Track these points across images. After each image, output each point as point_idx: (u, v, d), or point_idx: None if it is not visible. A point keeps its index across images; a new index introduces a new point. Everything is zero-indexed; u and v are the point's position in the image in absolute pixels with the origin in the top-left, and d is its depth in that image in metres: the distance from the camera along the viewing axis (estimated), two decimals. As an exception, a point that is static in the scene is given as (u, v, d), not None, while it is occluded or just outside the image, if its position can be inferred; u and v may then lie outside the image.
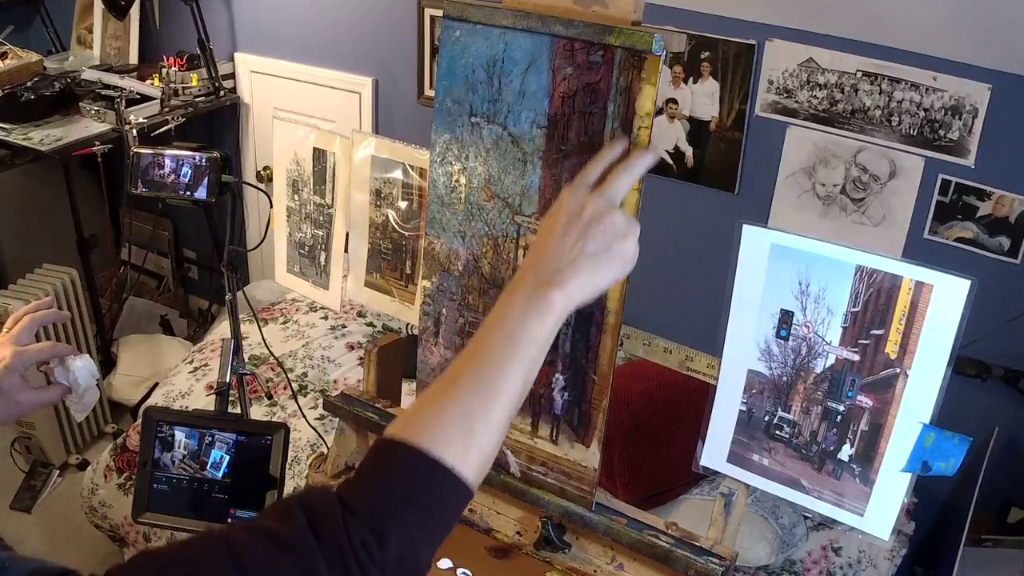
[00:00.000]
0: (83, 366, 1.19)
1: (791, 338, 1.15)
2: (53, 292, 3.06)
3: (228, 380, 1.80)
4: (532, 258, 0.87)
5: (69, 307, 3.15)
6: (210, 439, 1.70)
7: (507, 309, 0.82)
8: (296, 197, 1.71)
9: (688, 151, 2.76)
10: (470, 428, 0.76)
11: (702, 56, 2.62)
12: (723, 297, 1.20)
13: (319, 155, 1.65)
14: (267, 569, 0.69)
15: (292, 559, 0.69)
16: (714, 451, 1.27)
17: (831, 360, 1.13)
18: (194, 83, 3.40)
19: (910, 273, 1.05)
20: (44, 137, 3.12)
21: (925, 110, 2.34)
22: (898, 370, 1.08)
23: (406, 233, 1.55)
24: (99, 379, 1.22)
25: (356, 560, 0.69)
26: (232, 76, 3.62)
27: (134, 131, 3.11)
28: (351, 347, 2.92)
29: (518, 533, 1.39)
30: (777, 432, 1.20)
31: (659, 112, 2.76)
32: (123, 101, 3.18)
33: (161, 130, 3.22)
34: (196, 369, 2.85)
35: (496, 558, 1.36)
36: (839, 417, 1.15)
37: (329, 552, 0.69)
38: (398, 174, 1.53)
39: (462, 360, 0.81)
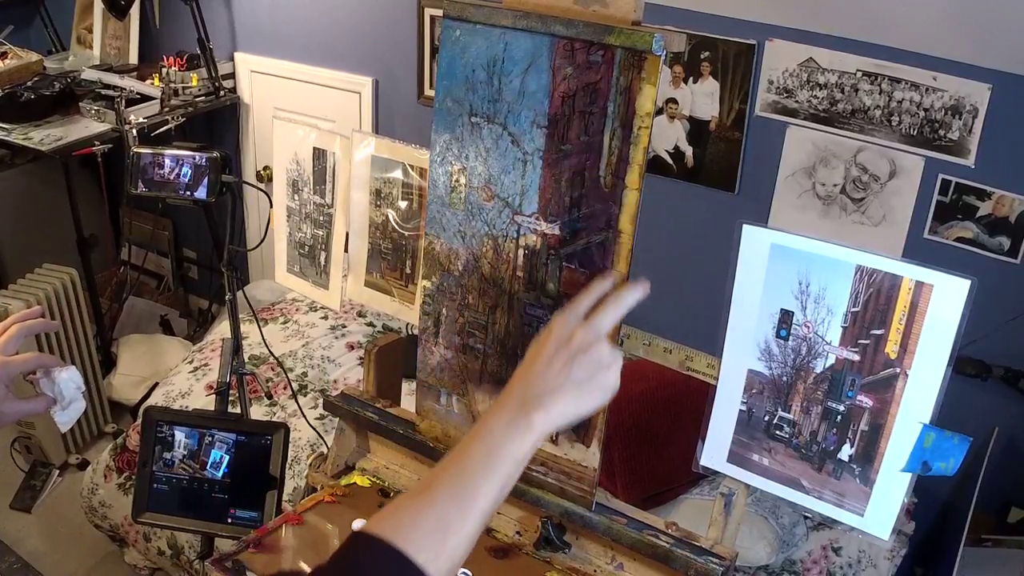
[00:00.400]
0: (68, 378, 1.19)
1: (791, 338, 1.15)
2: (53, 292, 3.06)
3: (228, 380, 1.80)
4: (519, 379, 0.90)
5: (69, 307, 3.15)
6: (210, 439, 1.70)
7: (491, 424, 0.86)
8: (296, 197, 1.71)
9: (688, 151, 2.76)
10: (444, 535, 0.78)
11: (702, 56, 2.62)
12: (723, 297, 1.20)
13: (319, 155, 1.64)
14: None
15: None
16: (714, 451, 1.27)
17: (831, 360, 1.13)
18: (194, 83, 3.40)
19: (910, 273, 1.05)
20: (44, 137, 3.12)
21: (925, 110, 2.34)
22: (898, 370, 1.08)
23: (406, 233, 1.55)
24: (84, 391, 1.22)
25: None
26: (232, 76, 3.62)
27: (134, 131, 3.11)
28: (351, 347, 2.92)
29: (518, 533, 1.39)
30: (777, 432, 1.20)
31: (659, 112, 2.76)
32: (123, 101, 3.18)
33: (161, 130, 3.22)
34: (196, 369, 2.85)
35: (496, 558, 1.36)
36: (839, 417, 1.15)
37: None
38: (398, 174, 1.53)
39: (443, 467, 0.84)
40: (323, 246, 1.70)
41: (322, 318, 3.03)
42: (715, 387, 1.25)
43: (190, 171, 1.74)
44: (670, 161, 2.80)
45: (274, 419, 2.50)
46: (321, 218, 1.68)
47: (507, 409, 0.87)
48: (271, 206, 1.77)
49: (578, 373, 0.89)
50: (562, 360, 0.89)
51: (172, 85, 3.36)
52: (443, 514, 0.79)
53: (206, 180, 1.73)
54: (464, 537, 0.79)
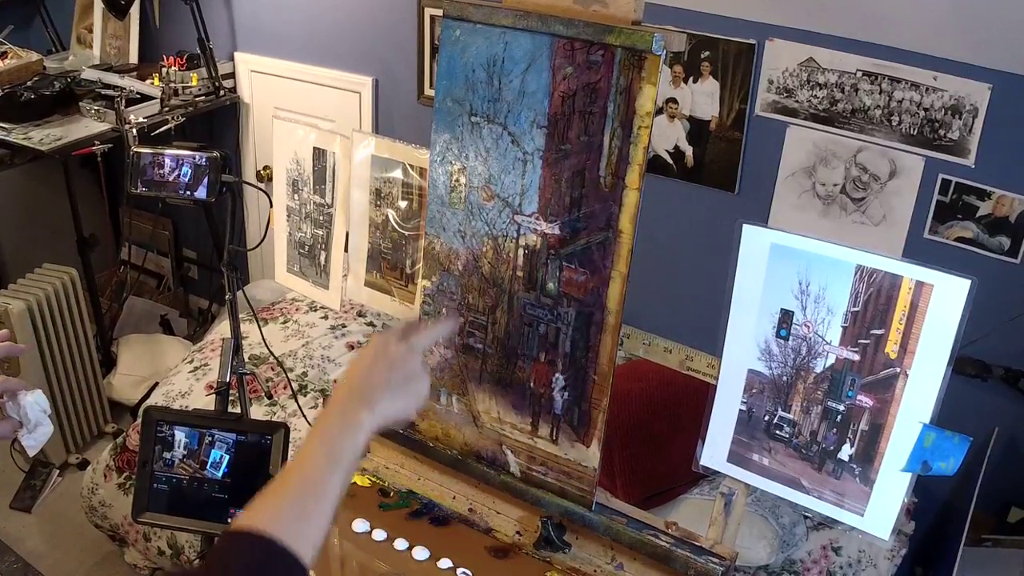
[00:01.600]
0: (34, 401, 1.20)
1: (791, 338, 1.15)
2: (53, 292, 3.06)
3: (228, 380, 1.80)
4: (346, 384, 1.03)
5: (69, 307, 3.15)
6: (210, 439, 1.70)
7: (327, 424, 0.98)
8: (296, 197, 1.71)
9: (688, 151, 2.76)
10: (307, 522, 0.90)
11: (702, 56, 2.62)
12: (723, 297, 1.20)
13: (319, 155, 1.64)
14: None
15: None
16: (714, 451, 1.27)
17: (831, 360, 1.13)
18: (194, 83, 3.40)
19: (910, 273, 1.05)
20: (44, 137, 3.12)
21: (925, 110, 2.34)
22: (898, 370, 1.08)
23: (406, 233, 1.55)
24: (51, 414, 1.23)
25: None
26: (232, 76, 3.62)
27: (134, 131, 3.11)
28: (351, 347, 2.91)
29: (518, 533, 1.39)
30: (777, 432, 1.20)
31: (659, 112, 2.76)
32: (123, 101, 3.18)
33: (161, 130, 3.22)
34: (196, 369, 2.85)
35: (496, 558, 1.36)
36: (839, 417, 1.15)
37: None
38: (398, 174, 1.53)
39: (293, 467, 0.96)
40: (323, 246, 1.70)
41: (322, 318, 3.03)
42: (715, 387, 1.25)
43: (190, 171, 1.73)
44: (670, 161, 2.80)
45: (274, 419, 2.50)
46: (321, 218, 1.68)
47: (338, 411, 0.99)
48: (271, 206, 1.77)
49: (395, 379, 1.02)
50: (381, 366, 1.02)
51: (172, 85, 3.35)
52: (301, 506, 0.91)
53: (206, 180, 1.73)
54: (322, 521, 0.91)
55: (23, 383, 1.22)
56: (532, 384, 1.29)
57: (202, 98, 3.43)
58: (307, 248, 1.73)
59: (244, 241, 3.75)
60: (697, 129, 2.72)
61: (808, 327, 1.13)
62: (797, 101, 2.52)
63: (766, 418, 1.21)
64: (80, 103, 3.28)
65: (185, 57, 3.43)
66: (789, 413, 1.19)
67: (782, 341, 1.16)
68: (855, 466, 1.15)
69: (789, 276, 1.13)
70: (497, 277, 1.28)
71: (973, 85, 2.25)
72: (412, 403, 1.04)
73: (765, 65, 2.54)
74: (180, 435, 1.71)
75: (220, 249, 3.43)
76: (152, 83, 3.37)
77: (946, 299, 1.03)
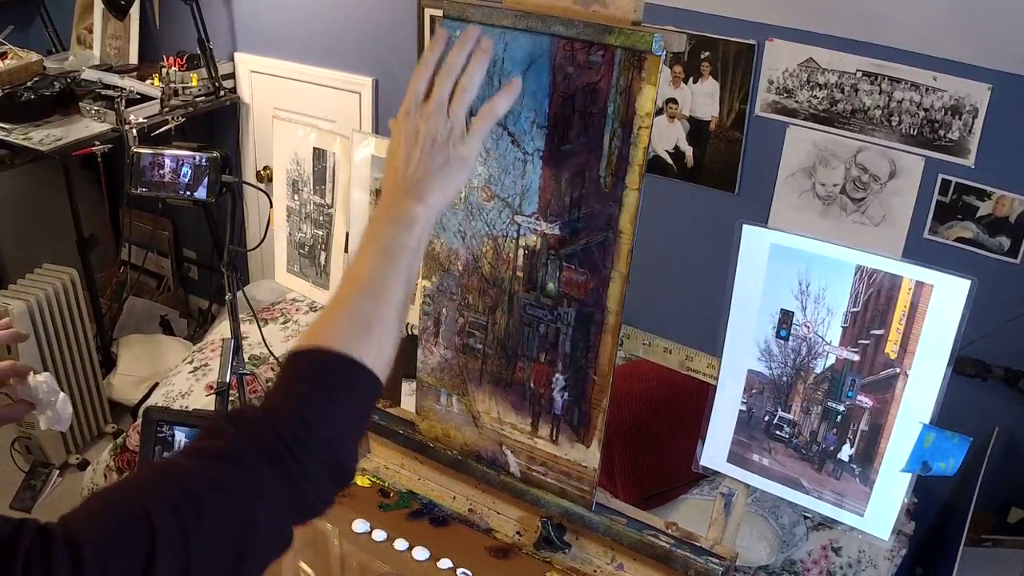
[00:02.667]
0: (44, 380, 1.21)
1: (791, 338, 1.15)
2: (53, 292, 3.06)
3: (228, 380, 1.80)
4: (389, 184, 0.96)
5: (69, 307, 3.15)
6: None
7: (378, 230, 0.92)
8: (296, 197, 1.71)
9: (688, 151, 2.76)
10: (368, 328, 0.85)
11: (702, 56, 2.62)
12: (723, 297, 1.20)
13: (319, 155, 1.64)
14: (212, 482, 0.73)
15: (231, 465, 0.74)
16: (714, 451, 1.27)
17: (831, 360, 1.13)
18: (194, 83, 3.40)
19: (910, 273, 1.05)
20: (44, 137, 3.12)
21: (925, 110, 2.34)
22: (898, 370, 1.08)
23: (406, 233, 1.55)
24: (63, 393, 1.24)
25: (288, 450, 0.75)
26: (232, 76, 3.62)
27: (134, 131, 3.11)
28: (351, 347, 2.92)
29: (518, 533, 1.39)
30: (777, 432, 1.20)
31: (659, 112, 2.76)
32: (123, 101, 3.18)
33: (161, 130, 3.22)
34: (196, 369, 2.85)
35: (496, 558, 1.36)
36: (839, 417, 1.15)
37: (263, 449, 0.75)
38: (398, 174, 1.53)
39: (348, 281, 0.90)
40: (323, 246, 1.70)
41: (322, 318, 3.03)
42: (715, 387, 1.25)
43: (190, 171, 1.74)
44: (670, 161, 2.80)
45: (274, 419, 2.50)
46: (321, 218, 1.68)
47: (389, 211, 0.93)
48: (271, 206, 1.77)
49: (434, 161, 0.94)
50: (416, 155, 0.94)
51: (172, 85, 3.35)
52: (361, 315, 0.85)
53: (206, 180, 1.73)
54: (387, 330, 0.86)
55: (30, 366, 1.23)
56: (532, 384, 1.29)
57: (202, 98, 3.43)
58: (307, 248, 1.73)
59: (244, 241, 3.75)
60: (697, 129, 2.72)
61: (808, 327, 1.13)
62: (797, 101, 2.52)
63: (766, 418, 1.21)
64: (80, 103, 3.28)
65: (185, 57, 3.43)
66: (789, 413, 1.19)
67: (782, 341, 1.16)
68: (855, 466, 1.15)
69: (789, 276, 1.13)
70: (497, 277, 1.28)
71: (973, 85, 2.25)
72: (462, 173, 0.97)
73: (765, 65, 2.54)
74: (180, 435, 1.71)
75: (220, 249, 3.44)
76: (152, 83, 3.37)
77: (946, 299, 1.03)
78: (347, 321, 0.85)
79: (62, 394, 1.23)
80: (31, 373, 1.21)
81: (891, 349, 1.08)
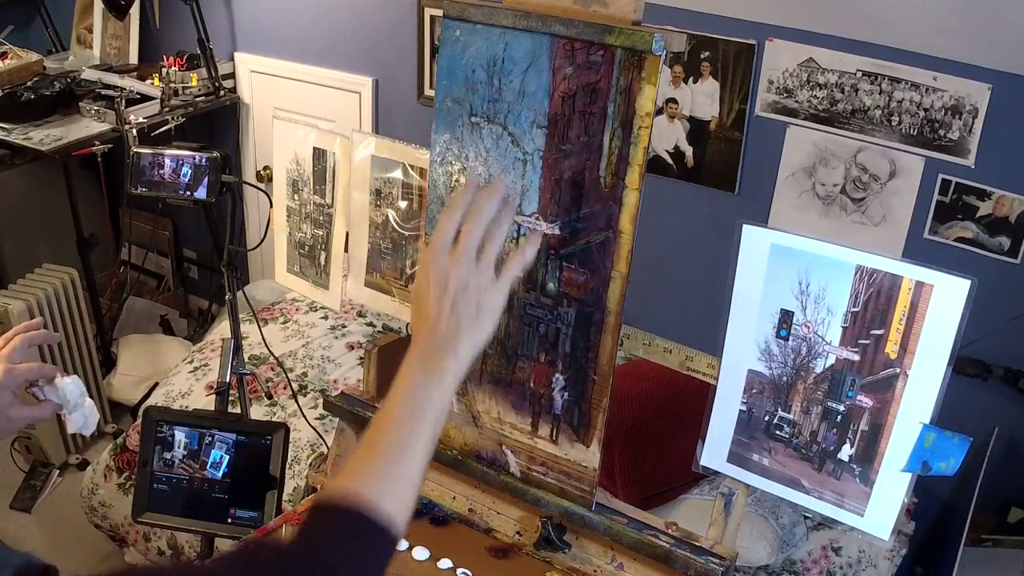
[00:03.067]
0: (71, 382, 1.23)
1: (791, 338, 1.15)
2: (53, 292, 3.06)
3: (228, 380, 1.80)
4: (419, 335, 0.97)
5: (69, 307, 3.15)
6: (210, 439, 1.70)
7: (411, 381, 0.94)
8: (296, 197, 1.71)
9: (688, 151, 2.76)
10: (391, 483, 0.88)
11: (702, 56, 2.62)
12: (723, 297, 1.20)
13: (319, 155, 1.64)
14: None
15: None
16: (714, 451, 1.27)
17: (831, 360, 1.13)
18: (194, 83, 3.39)
19: (910, 273, 1.05)
20: (44, 137, 3.12)
21: (925, 110, 2.34)
22: (898, 370, 1.08)
23: (406, 233, 1.55)
24: (91, 400, 1.26)
25: None
26: (232, 76, 3.62)
27: (134, 131, 3.11)
28: (351, 347, 2.91)
29: (518, 533, 1.39)
30: (777, 432, 1.20)
31: (659, 112, 2.76)
32: (123, 101, 3.18)
33: (161, 130, 3.22)
34: (196, 369, 2.85)
35: (496, 558, 1.36)
36: (839, 417, 1.15)
37: None
38: (398, 174, 1.53)
39: (380, 429, 0.92)
40: (323, 246, 1.70)
41: (322, 318, 3.03)
42: (715, 387, 1.25)
43: (190, 171, 1.74)
44: (670, 161, 2.80)
45: (274, 419, 2.50)
46: (321, 218, 1.68)
47: (420, 364, 0.95)
48: (271, 206, 1.77)
49: (466, 310, 0.95)
50: (448, 305, 0.95)
51: (172, 85, 3.35)
52: (386, 469, 0.88)
53: (206, 180, 1.73)
54: (411, 482, 0.90)
55: (57, 368, 1.25)
56: (532, 384, 1.29)
57: (202, 98, 3.43)
58: (307, 248, 1.73)
59: (244, 241, 3.75)
60: (697, 129, 2.72)
61: (808, 327, 1.13)
62: (797, 101, 2.52)
63: (766, 418, 1.21)
64: (80, 103, 3.28)
65: (185, 57, 3.43)
66: (789, 413, 1.19)
67: (782, 341, 1.16)
68: (855, 466, 1.15)
69: (789, 276, 1.13)
70: (497, 277, 1.28)
71: (973, 85, 2.25)
72: (490, 323, 0.97)
73: (765, 65, 2.54)
74: (180, 435, 1.71)
75: (220, 249, 3.43)
76: (152, 83, 3.37)
77: (946, 299, 1.03)
78: (376, 476, 0.88)
79: (89, 400, 1.25)
80: (58, 375, 1.23)
81: (891, 349, 1.08)
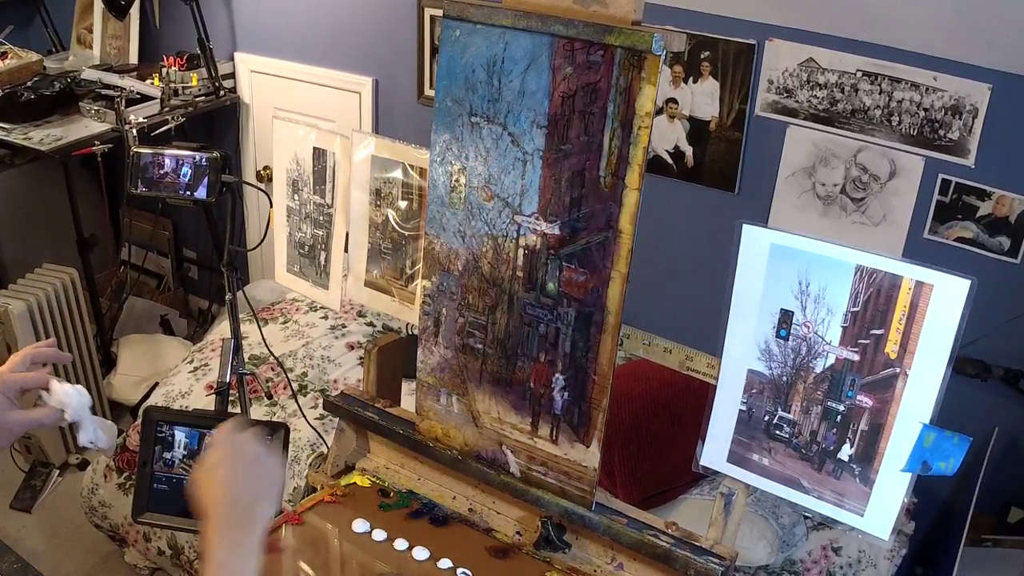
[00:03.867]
0: (71, 389, 1.23)
1: (791, 338, 1.15)
2: (53, 292, 3.06)
3: (228, 380, 1.80)
4: (219, 506, 0.99)
5: (69, 307, 3.15)
6: (210, 439, 1.70)
7: (219, 560, 0.95)
8: (296, 197, 1.71)
9: (688, 151, 2.76)
10: None
11: (702, 56, 2.62)
12: (723, 297, 1.20)
13: (319, 155, 1.64)
14: None
15: None
16: (714, 451, 1.27)
17: (831, 360, 1.13)
18: (194, 83, 3.39)
19: (910, 273, 1.05)
20: (44, 137, 3.12)
21: (925, 110, 2.34)
22: (898, 370, 1.08)
23: (406, 233, 1.55)
24: (110, 422, 1.26)
25: None
26: (232, 76, 3.62)
27: (134, 131, 3.11)
28: (351, 347, 2.91)
29: (518, 533, 1.39)
30: (777, 432, 1.20)
31: (659, 112, 2.76)
32: (123, 101, 3.18)
33: (161, 130, 3.22)
34: (196, 369, 2.85)
35: (496, 558, 1.36)
36: (839, 417, 1.15)
37: None
38: (398, 174, 1.53)
39: None
40: (323, 246, 1.70)
41: (322, 318, 3.03)
42: (715, 387, 1.25)
43: (190, 171, 1.73)
44: (670, 161, 2.80)
45: (274, 419, 2.50)
46: (321, 218, 1.68)
47: (224, 540, 0.96)
48: (271, 206, 1.77)
49: (263, 486, 1.02)
50: (245, 481, 1.00)
51: (172, 85, 3.35)
52: None
53: (206, 180, 1.73)
54: None
55: (49, 375, 1.24)
56: (532, 384, 1.29)
57: (202, 98, 3.43)
58: (307, 248, 1.73)
59: (244, 241, 3.75)
60: (697, 129, 2.72)
61: (808, 327, 1.13)
62: (797, 101, 2.52)
63: (766, 418, 1.21)
64: (80, 103, 3.28)
65: (185, 57, 3.43)
66: (789, 413, 1.19)
67: (782, 341, 1.16)
68: (855, 466, 1.15)
69: (789, 276, 1.13)
70: (497, 277, 1.28)
71: (973, 85, 2.25)
72: (281, 494, 1.05)
73: (765, 65, 2.54)
74: (180, 435, 1.70)
75: (220, 249, 3.43)
76: (152, 83, 3.37)
77: (946, 299, 1.03)
78: None
79: (98, 418, 1.24)
80: (52, 381, 1.22)
81: (891, 349, 1.08)
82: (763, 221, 2.33)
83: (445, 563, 1.33)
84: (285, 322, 3.05)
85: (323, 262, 1.71)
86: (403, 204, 1.54)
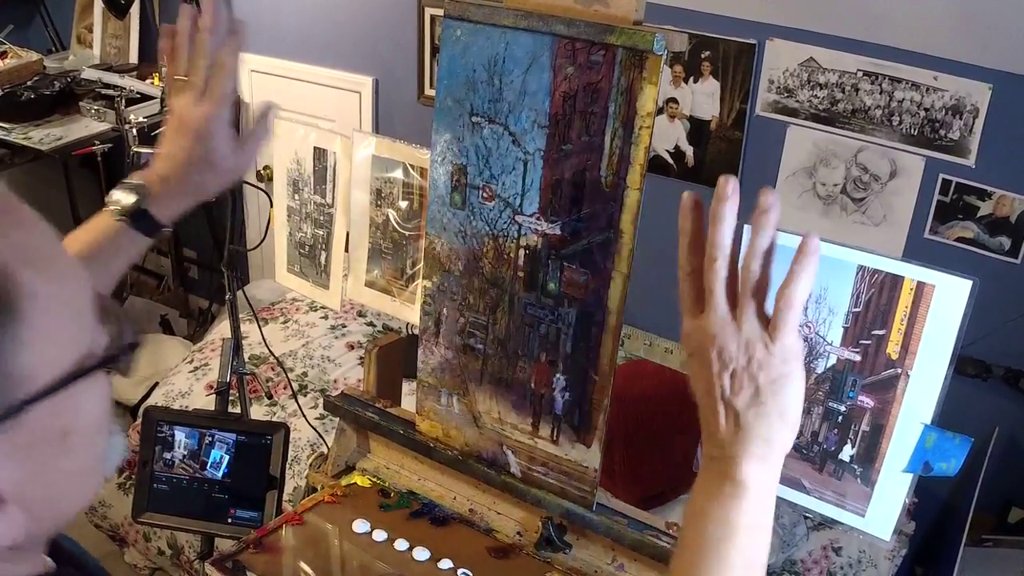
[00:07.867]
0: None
1: (792, 338, 1.15)
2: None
3: (228, 380, 1.80)
4: (706, 438, 0.76)
5: (69, 307, 3.15)
6: (210, 439, 1.70)
7: (700, 504, 0.74)
8: (296, 197, 1.71)
9: (688, 151, 2.76)
10: None
11: (703, 55, 2.62)
12: (724, 297, 1.19)
13: (319, 154, 1.64)
14: None
15: None
16: (715, 451, 1.27)
17: (832, 360, 1.13)
18: (194, 82, 3.39)
19: (911, 273, 1.05)
20: (44, 136, 3.12)
21: (926, 110, 2.34)
22: (899, 370, 1.08)
23: (406, 233, 1.55)
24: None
25: None
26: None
27: (134, 130, 3.10)
28: (351, 347, 2.91)
29: (519, 533, 1.39)
30: (778, 432, 1.20)
31: (659, 112, 2.76)
32: (123, 100, 3.18)
33: (161, 129, 3.21)
34: (196, 369, 2.85)
35: (496, 558, 1.36)
36: (840, 417, 1.14)
37: None
38: (398, 174, 1.53)
39: (677, 562, 0.75)
40: (323, 246, 1.70)
41: (322, 318, 3.03)
42: (716, 387, 1.24)
43: (190, 171, 1.73)
44: (670, 161, 2.80)
45: (274, 419, 2.50)
46: (321, 218, 1.68)
47: (709, 481, 0.74)
48: (271, 206, 1.77)
49: (741, 398, 0.72)
50: (736, 404, 0.73)
51: (172, 85, 3.35)
52: None
53: (206, 180, 1.72)
54: None
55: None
56: (533, 384, 1.29)
57: (202, 98, 3.43)
58: (307, 248, 1.73)
59: (244, 241, 3.75)
60: (697, 129, 2.72)
61: (809, 328, 1.13)
62: (797, 101, 2.52)
63: (767, 418, 1.20)
64: (80, 103, 3.28)
65: (185, 57, 3.42)
66: (790, 413, 1.18)
67: (783, 341, 1.16)
68: (856, 467, 1.15)
69: (790, 276, 1.13)
70: (498, 277, 1.28)
71: (973, 85, 2.25)
72: (796, 411, 0.76)
73: (765, 65, 2.54)
74: (180, 435, 1.71)
75: (220, 249, 3.43)
76: (152, 83, 3.37)
77: (947, 299, 1.03)
78: None
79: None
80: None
81: (892, 349, 1.08)
82: (763, 221, 2.32)
83: (446, 564, 1.33)
84: (285, 322, 3.05)
85: (323, 262, 1.71)
86: (404, 204, 1.53)
